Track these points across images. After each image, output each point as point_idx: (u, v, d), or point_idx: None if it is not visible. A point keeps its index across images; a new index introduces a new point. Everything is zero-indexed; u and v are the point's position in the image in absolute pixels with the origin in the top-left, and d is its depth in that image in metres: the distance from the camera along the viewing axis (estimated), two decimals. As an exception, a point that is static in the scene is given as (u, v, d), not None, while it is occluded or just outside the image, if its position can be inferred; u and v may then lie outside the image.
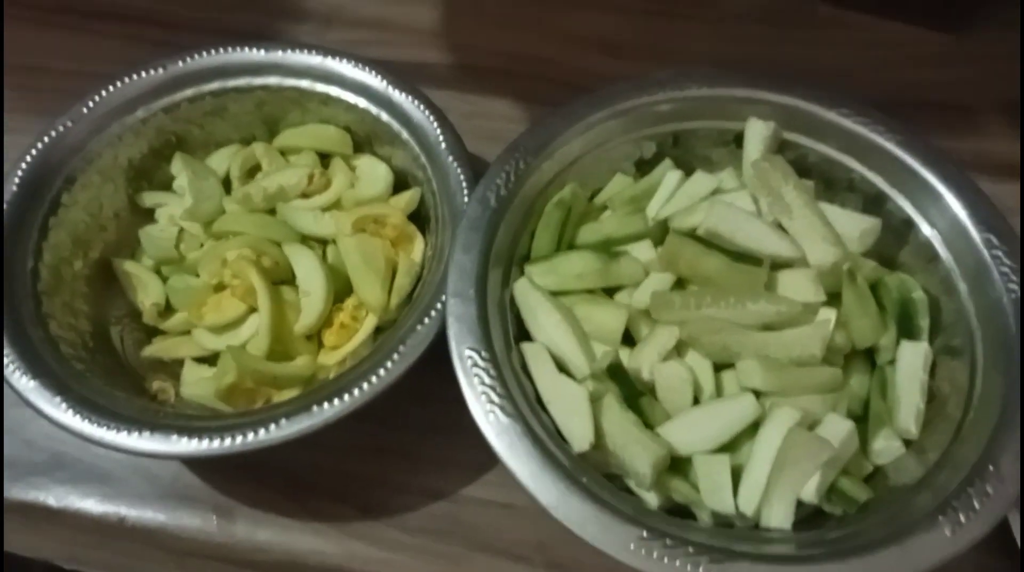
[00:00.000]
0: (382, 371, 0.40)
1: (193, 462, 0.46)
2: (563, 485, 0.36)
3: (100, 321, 0.47)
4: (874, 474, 0.42)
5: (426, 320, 0.41)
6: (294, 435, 0.38)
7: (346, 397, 0.39)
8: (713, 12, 0.64)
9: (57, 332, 0.43)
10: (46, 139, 0.47)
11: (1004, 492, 0.36)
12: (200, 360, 0.47)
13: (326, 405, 0.39)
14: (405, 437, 0.47)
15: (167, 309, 0.48)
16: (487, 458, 0.47)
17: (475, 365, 0.39)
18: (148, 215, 0.51)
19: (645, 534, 0.35)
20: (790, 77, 0.47)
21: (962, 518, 0.36)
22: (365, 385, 0.39)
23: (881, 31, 0.63)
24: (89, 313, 0.47)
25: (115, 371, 0.45)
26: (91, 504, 0.46)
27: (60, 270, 0.46)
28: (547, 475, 0.37)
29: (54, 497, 0.46)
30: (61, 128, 0.47)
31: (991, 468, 0.37)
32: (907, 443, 0.41)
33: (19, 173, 0.45)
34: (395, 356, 0.40)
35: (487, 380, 0.39)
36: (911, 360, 0.43)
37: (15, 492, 0.46)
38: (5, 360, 0.40)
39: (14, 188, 0.45)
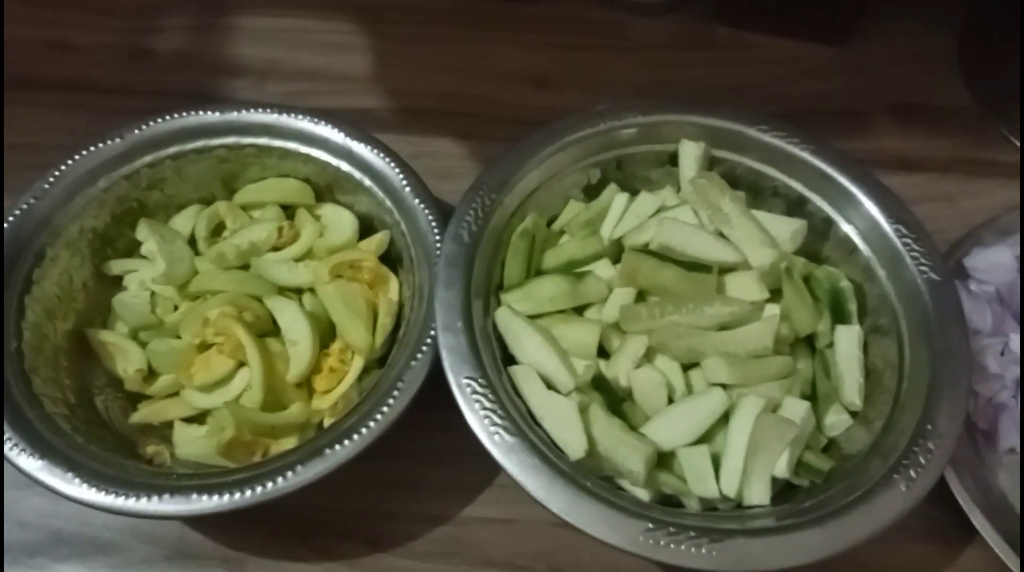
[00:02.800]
0: (386, 408, 0.42)
1: (196, 520, 0.47)
2: (571, 492, 0.40)
3: (84, 393, 0.47)
4: (828, 446, 0.47)
5: (419, 355, 0.44)
6: (311, 479, 0.40)
7: (355, 437, 0.41)
8: (627, 42, 0.70)
9: (52, 409, 0.43)
10: (11, 218, 0.47)
11: (944, 446, 0.42)
12: (189, 420, 0.48)
13: (337, 447, 0.41)
14: (400, 468, 0.50)
15: (149, 374, 0.49)
16: (481, 479, 0.50)
17: (474, 392, 0.42)
18: (114, 282, 0.52)
19: (650, 525, 0.39)
20: (713, 101, 0.53)
21: (913, 474, 0.41)
22: (371, 423, 0.42)
23: (775, 49, 0.70)
24: (72, 386, 0.47)
25: (109, 441, 0.45)
26: (98, 577, 0.46)
27: (41, 347, 0.46)
28: (556, 485, 0.40)
29: (58, 575, 0.46)
30: (25, 205, 0.47)
31: (930, 428, 0.42)
32: (853, 415, 0.47)
33: (-11, 254, 0.45)
34: (395, 393, 0.43)
35: (487, 404, 0.42)
36: (847, 342, 0.48)
37: (15, 576, 0.46)
38: (8, 443, 0.40)
39: (-14, 269, 0.45)
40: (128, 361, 0.48)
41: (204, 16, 0.69)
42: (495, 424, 0.41)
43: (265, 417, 0.46)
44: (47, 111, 0.62)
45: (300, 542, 0.47)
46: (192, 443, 0.46)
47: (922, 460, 0.41)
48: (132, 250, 0.52)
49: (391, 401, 0.42)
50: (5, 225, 0.46)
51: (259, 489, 0.40)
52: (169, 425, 0.48)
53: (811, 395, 0.47)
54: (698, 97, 0.65)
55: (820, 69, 0.68)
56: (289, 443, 0.46)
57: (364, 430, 0.41)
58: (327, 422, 0.47)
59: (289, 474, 0.40)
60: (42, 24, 0.69)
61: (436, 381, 0.44)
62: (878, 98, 0.67)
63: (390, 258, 0.52)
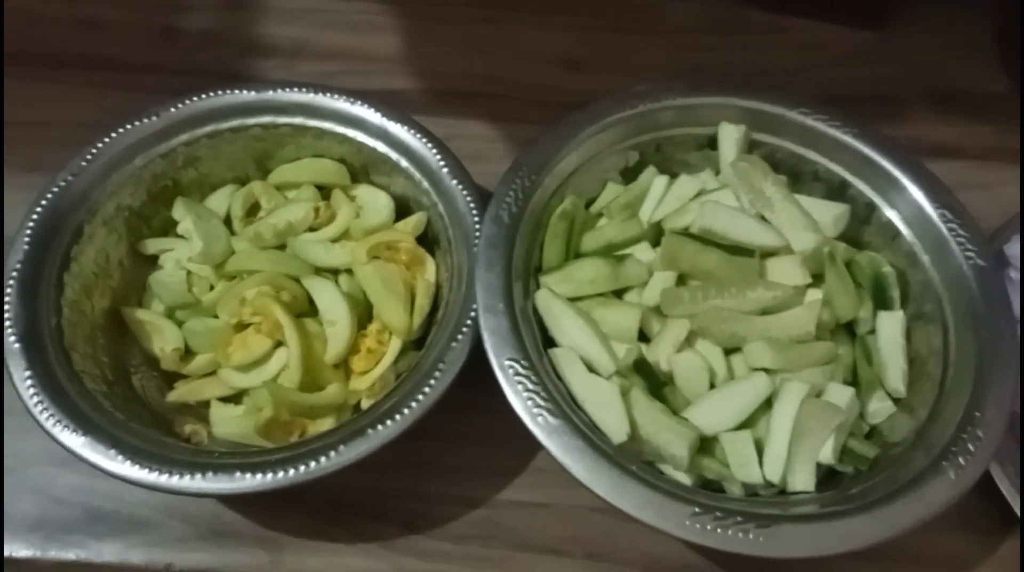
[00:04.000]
0: (427, 389, 0.42)
1: (232, 499, 0.47)
2: (616, 475, 0.39)
3: (121, 371, 0.47)
4: (870, 433, 0.46)
5: (459, 337, 0.44)
6: (353, 459, 0.40)
7: (397, 417, 0.41)
8: (659, 25, 0.69)
9: (91, 386, 0.43)
10: (50, 195, 0.46)
11: (992, 435, 0.41)
12: (225, 400, 0.48)
13: (380, 428, 0.41)
14: (436, 450, 0.49)
15: (186, 353, 0.49)
16: (517, 462, 0.50)
17: (517, 373, 0.41)
18: (149, 262, 0.51)
19: (697, 510, 0.38)
20: (754, 83, 0.52)
21: (962, 461, 0.40)
22: (413, 404, 0.41)
23: (810, 33, 0.69)
24: (109, 364, 0.46)
25: (145, 419, 0.45)
26: (135, 555, 0.46)
27: (79, 324, 0.46)
28: (601, 468, 0.39)
29: (94, 552, 0.46)
30: (64, 182, 0.47)
31: (978, 415, 0.41)
32: (896, 402, 0.46)
33: (28, 231, 0.45)
34: (436, 373, 0.42)
35: (530, 386, 0.41)
36: (890, 328, 0.47)
37: (52, 552, 0.45)
38: (51, 419, 0.40)
39: (25, 246, 0.45)
40: (164, 340, 0.48)
41: (233, -6, 0.69)
42: (538, 406, 0.41)
43: (303, 397, 0.45)
44: (78, 89, 0.62)
45: (335, 522, 0.47)
46: (229, 422, 0.46)
47: (971, 448, 0.41)
48: (167, 229, 0.52)
49: (432, 382, 0.42)
50: (44, 202, 0.46)
51: (302, 468, 0.39)
52: (205, 404, 0.48)
53: (852, 382, 0.47)
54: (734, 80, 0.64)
55: (857, 54, 0.67)
56: (326, 424, 0.46)
57: (406, 411, 0.41)
58: (364, 403, 0.47)
59: (332, 454, 0.40)
60: (72, 1, 0.68)
61: (473, 363, 0.43)
62: (916, 84, 0.66)
63: (426, 240, 0.52)
